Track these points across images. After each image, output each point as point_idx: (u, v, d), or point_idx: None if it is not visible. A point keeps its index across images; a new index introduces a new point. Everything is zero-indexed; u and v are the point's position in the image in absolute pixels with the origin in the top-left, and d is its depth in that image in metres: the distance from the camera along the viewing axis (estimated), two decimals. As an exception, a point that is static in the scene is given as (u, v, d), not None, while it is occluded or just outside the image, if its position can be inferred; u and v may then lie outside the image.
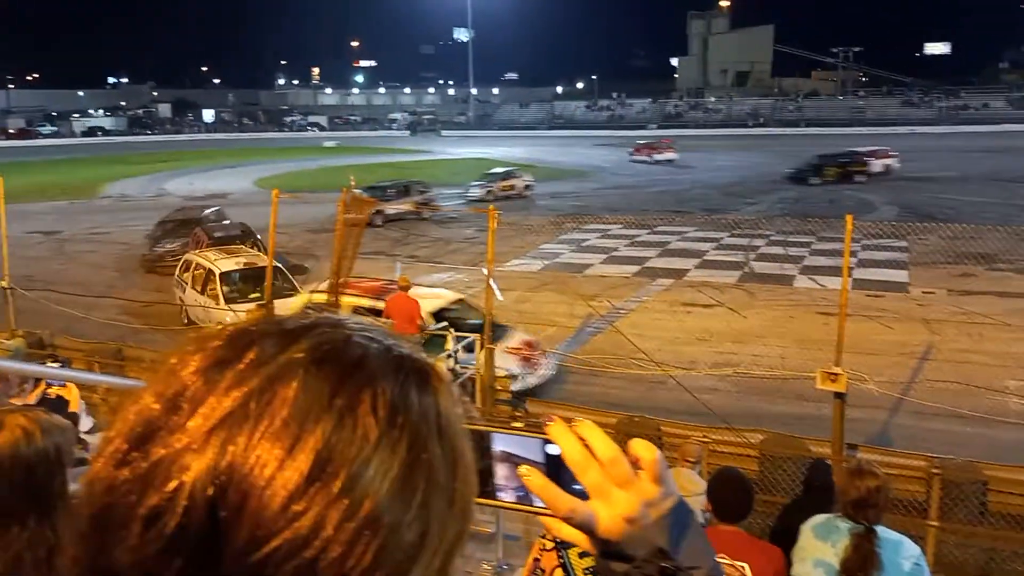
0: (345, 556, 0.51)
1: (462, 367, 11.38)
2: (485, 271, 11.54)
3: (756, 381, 12.77)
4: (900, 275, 20.56)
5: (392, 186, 31.62)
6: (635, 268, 22.36)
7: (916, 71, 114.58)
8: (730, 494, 3.97)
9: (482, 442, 0.75)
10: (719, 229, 27.13)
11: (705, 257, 23.66)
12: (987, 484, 8.39)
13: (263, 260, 16.07)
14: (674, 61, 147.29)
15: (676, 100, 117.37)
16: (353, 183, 20.01)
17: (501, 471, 0.75)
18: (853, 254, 11.73)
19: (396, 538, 0.54)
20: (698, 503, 4.99)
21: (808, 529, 3.82)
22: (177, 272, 17.73)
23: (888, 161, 42.49)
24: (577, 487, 0.73)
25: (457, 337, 11.61)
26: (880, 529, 3.60)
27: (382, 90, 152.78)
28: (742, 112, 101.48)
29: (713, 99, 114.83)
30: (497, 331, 13.06)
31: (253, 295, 15.59)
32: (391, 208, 28.94)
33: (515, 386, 11.83)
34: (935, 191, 35.83)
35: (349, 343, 0.59)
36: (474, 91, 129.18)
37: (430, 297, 13.50)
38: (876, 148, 44.38)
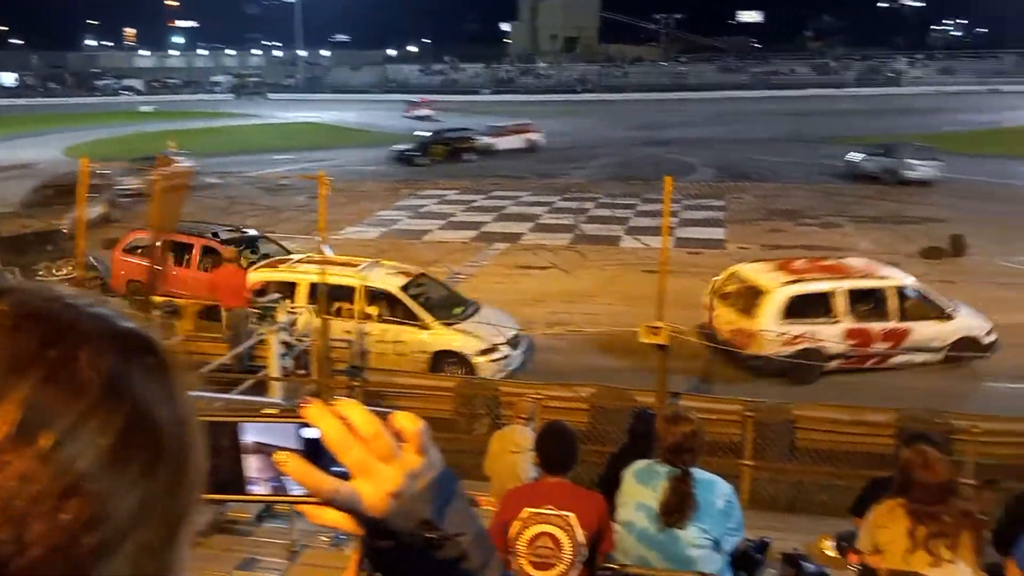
0: (56, 511, 0.50)
1: (298, 339, 11.14)
2: (319, 239, 11.30)
3: (590, 338, 13.27)
4: (718, 232, 21.85)
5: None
6: (472, 233, 22.55)
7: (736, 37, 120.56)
8: (554, 446, 4.12)
9: (231, 434, 0.70)
10: (551, 193, 27.79)
11: (539, 221, 24.16)
12: (795, 423, 9.16)
13: (413, 267, 14.20)
14: (505, 26, 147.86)
15: (508, 65, 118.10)
16: (173, 147, 18.92)
17: (253, 463, 0.71)
18: (674, 214, 12.33)
19: (114, 500, 0.53)
20: (531, 458, 5.16)
21: (630, 475, 4.00)
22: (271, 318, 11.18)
23: (531, 136, 42.47)
24: (338, 469, 0.70)
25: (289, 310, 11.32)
26: (696, 471, 3.82)
27: (203, 52, 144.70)
28: (571, 78, 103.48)
29: (544, 65, 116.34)
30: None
31: (456, 311, 12.58)
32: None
33: None
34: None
35: (61, 302, 0.57)
36: (302, 53, 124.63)
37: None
38: (520, 123, 43.91)
